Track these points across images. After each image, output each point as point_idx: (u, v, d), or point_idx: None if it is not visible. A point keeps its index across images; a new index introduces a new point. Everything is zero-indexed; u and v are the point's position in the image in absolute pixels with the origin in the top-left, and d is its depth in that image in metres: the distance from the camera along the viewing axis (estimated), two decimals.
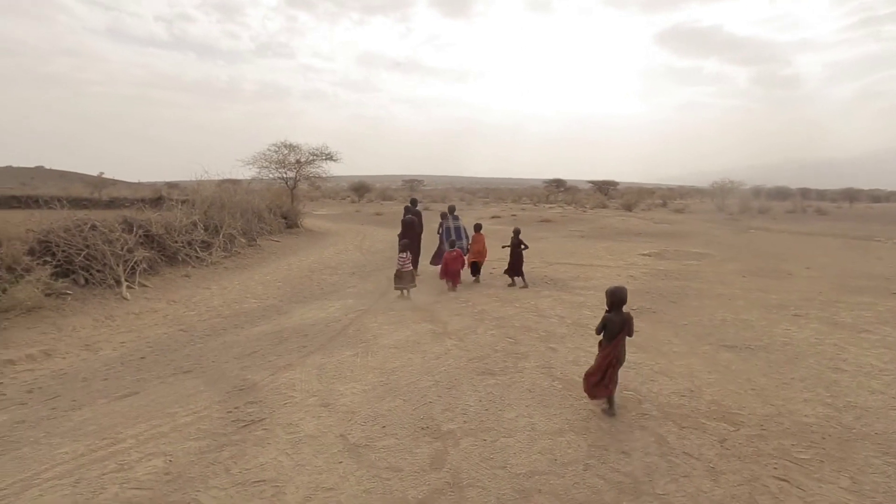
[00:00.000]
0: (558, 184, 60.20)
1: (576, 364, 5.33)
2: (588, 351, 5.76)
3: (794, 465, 3.44)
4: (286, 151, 21.59)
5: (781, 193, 53.14)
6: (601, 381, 4.12)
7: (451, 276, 9.19)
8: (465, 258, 9.76)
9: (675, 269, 11.66)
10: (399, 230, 10.67)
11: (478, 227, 10.00)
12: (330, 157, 22.20)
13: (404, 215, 10.77)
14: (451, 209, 10.67)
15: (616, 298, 4.12)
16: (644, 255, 14.07)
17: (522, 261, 9.48)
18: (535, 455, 3.57)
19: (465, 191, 71.46)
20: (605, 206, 40.36)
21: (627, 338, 4.19)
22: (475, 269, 9.92)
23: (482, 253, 9.87)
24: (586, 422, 4.06)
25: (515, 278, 9.47)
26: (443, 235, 10.32)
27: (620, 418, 4.13)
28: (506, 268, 9.66)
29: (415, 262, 9.82)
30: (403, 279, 8.60)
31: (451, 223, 10.27)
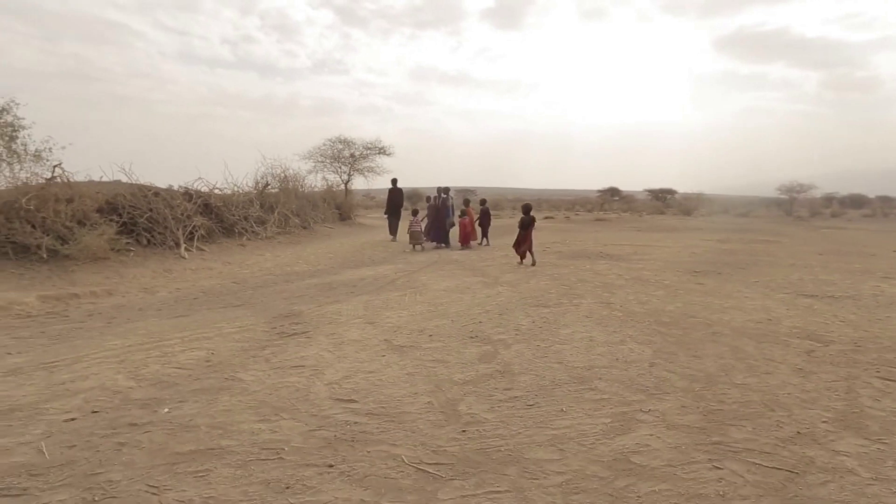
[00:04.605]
0: (613, 192, 58.45)
1: (637, 301, 4.97)
2: (650, 294, 5.38)
3: None
4: (340, 146, 21.94)
5: (857, 201, 48.50)
6: (526, 250, 7.68)
7: (464, 237, 11.10)
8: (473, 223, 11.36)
9: (741, 248, 10.93)
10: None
11: (466, 203, 11.81)
12: (383, 150, 22.29)
13: (391, 188, 13.09)
14: (445, 190, 12.15)
15: (526, 207, 7.97)
16: (706, 239, 13.31)
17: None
18: (595, 356, 3.27)
19: (518, 201, 70.63)
20: (662, 213, 38.83)
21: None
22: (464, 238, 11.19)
23: (470, 226, 11.26)
24: (650, 337, 3.72)
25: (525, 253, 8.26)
26: (450, 209, 11.82)
27: (689, 335, 3.76)
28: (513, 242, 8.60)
29: (395, 229, 12.54)
30: (415, 237, 10.82)
31: (449, 202, 11.97)
